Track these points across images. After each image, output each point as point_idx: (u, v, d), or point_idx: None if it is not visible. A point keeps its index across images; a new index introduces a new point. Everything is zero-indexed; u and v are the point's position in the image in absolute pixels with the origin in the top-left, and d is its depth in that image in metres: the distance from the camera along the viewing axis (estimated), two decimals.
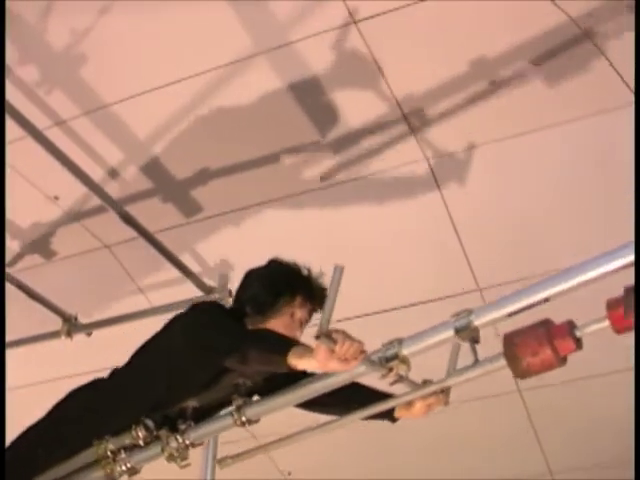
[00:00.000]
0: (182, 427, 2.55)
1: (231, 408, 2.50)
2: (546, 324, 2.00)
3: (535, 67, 3.42)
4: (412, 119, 3.66)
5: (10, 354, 4.09)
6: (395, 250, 4.27)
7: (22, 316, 4.51)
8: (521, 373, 2.02)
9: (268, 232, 4.20)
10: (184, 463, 2.55)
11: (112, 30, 3.34)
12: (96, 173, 3.75)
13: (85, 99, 3.64)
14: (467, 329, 2.05)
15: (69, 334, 4.27)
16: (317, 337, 2.03)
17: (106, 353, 5.01)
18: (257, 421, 2.52)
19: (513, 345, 1.99)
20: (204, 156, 3.90)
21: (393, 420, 2.67)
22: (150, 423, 2.59)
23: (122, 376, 2.77)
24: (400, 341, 2.19)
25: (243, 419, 2.46)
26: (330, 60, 3.43)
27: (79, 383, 5.20)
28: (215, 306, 2.77)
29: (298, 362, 2.16)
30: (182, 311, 2.78)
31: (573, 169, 3.87)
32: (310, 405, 2.58)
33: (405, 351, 2.18)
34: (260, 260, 4.32)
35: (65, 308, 4.37)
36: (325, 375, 2.32)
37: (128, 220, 3.59)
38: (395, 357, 2.19)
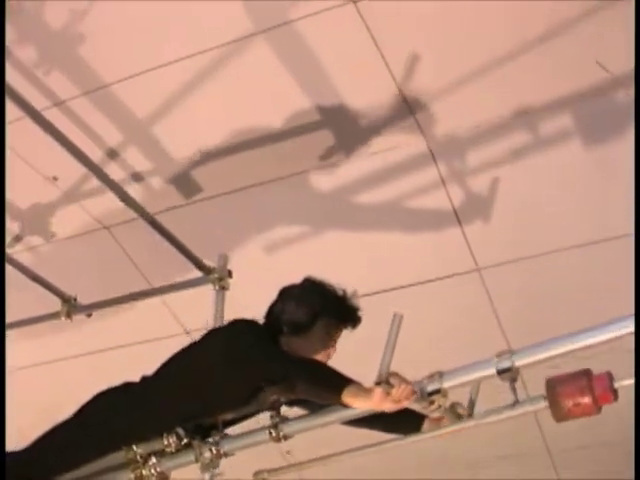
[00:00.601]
0: (216, 438, 2.63)
1: (268, 424, 2.60)
2: (588, 375, 2.16)
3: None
4: (411, 100, 3.65)
5: (9, 335, 4.11)
6: (394, 228, 4.27)
7: (21, 297, 4.52)
8: (560, 418, 2.18)
9: (268, 212, 4.20)
10: (217, 472, 2.63)
11: (111, 10, 3.33)
12: (95, 154, 3.74)
13: (84, 79, 3.63)
14: (509, 370, 2.17)
15: (69, 315, 4.25)
16: (377, 384, 2.21)
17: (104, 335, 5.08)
18: (292, 436, 2.60)
19: (556, 393, 2.15)
20: (204, 136, 3.89)
21: (418, 431, 2.68)
22: (181, 431, 2.66)
23: (156, 385, 2.79)
24: (441, 375, 2.29)
25: (280, 435, 2.56)
26: (330, 40, 3.42)
27: (79, 365, 5.26)
28: (255, 326, 2.71)
29: (352, 401, 2.29)
30: (221, 327, 2.86)
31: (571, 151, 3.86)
32: (353, 422, 2.63)
33: (446, 385, 2.29)
34: (258, 240, 4.36)
35: (64, 289, 4.37)
36: None
37: (127, 201, 3.57)
38: (437, 392, 2.31)
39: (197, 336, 4.87)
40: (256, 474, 2.92)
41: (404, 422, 2.56)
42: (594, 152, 3.81)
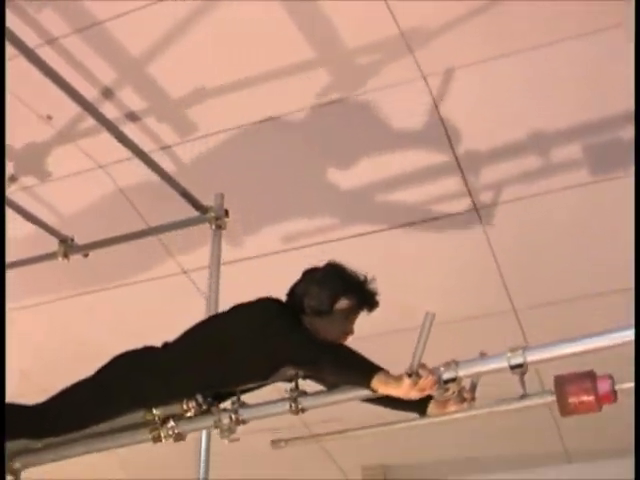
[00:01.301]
0: (235, 406, 2.76)
1: (287, 396, 2.71)
2: (592, 376, 2.41)
3: None
4: (409, 36, 3.61)
5: (7, 276, 4.12)
6: None
7: (18, 238, 4.52)
8: (566, 413, 2.42)
9: (264, 152, 4.18)
10: (233, 437, 2.75)
11: None
12: (90, 93, 3.70)
13: (77, 16, 3.58)
14: (521, 366, 2.38)
15: (65, 255, 4.26)
16: (409, 375, 2.38)
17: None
18: (309, 409, 2.71)
19: (564, 391, 2.40)
20: (200, 74, 3.85)
21: (423, 414, 2.79)
22: (201, 398, 2.79)
23: (179, 352, 2.89)
24: (457, 364, 2.47)
25: (300, 407, 2.68)
26: None
27: (76, 305, 5.28)
28: (284, 307, 2.82)
29: (382, 387, 2.44)
30: (250, 303, 2.85)
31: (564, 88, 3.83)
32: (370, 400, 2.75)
33: (461, 373, 2.48)
34: (255, 178, 4.35)
35: (61, 229, 4.36)
36: None
37: (123, 140, 3.55)
38: (453, 380, 2.49)
39: (194, 276, 4.97)
40: (274, 442, 3.05)
41: (413, 403, 2.63)
42: None
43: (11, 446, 3.01)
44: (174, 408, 2.82)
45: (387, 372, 2.47)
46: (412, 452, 6.23)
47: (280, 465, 6.58)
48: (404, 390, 2.41)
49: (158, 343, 4.92)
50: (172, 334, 5.31)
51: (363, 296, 2.80)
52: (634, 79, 3.66)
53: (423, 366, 2.42)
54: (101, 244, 4.28)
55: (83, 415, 2.91)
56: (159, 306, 5.31)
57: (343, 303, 2.77)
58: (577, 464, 6.78)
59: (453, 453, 6.40)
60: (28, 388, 5.97)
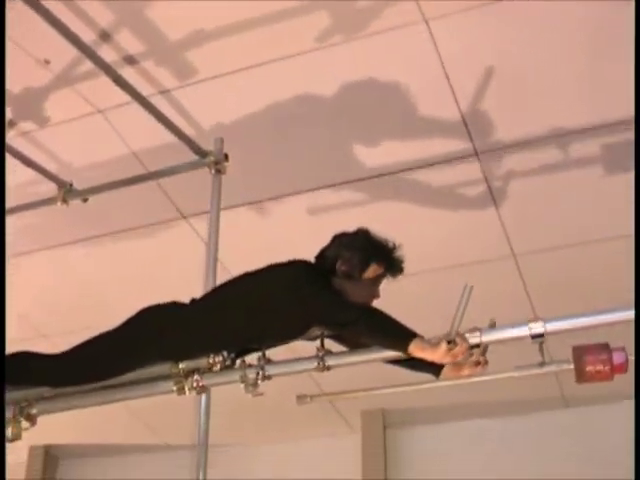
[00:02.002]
0: (262, 362, 2.84)
1: (314, 355, 2.82)
2: (608, 348, 2.63)
3: None
4: None
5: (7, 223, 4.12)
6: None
7: (18, 184, 4.51)
8: (582, 380, 2.64)
9: (264, 93, 4.15)
10: (257, 392, 2.84)
11: None
12: (87, 36, 3.66)
13: None
14: (542, 335, 2.55)
15: (65, 200, 4.26)
16: (449, 342, 2.51)
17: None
18: (334, 368, 2.82)
19: (583, 360, 2.62)
20: (199, 17, 3.81)
21: (437, 376, 2.91)
22: (226, 354, 2.89)
23: (209, 309, 2.96)
24: (481, 331, 2.61)
25: (326, 365, 2.78)
26: None
27: (76, 250, 5.28)
28: (315, 269, 2.91)
29: (418, 352, 2.55)
30: (284, 263, 2.92)
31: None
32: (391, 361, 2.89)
33: (485, 339, 2.62)
34: (255, 123, 4.33)
35: (60, 174, 4.35)
36: None
37: (121, 84, 3.53)
38: (477, 346, 2.63)
39: (194, 221, 4.98)
40: (299, 397, 3.23)
41: (429, 365, 2.74)
42: None
43: (29, 393, 3.11)
44: (200, 362, 2.90)
45: (422, 337, 2.58)
46: (411, 397, 6.25)
47: (281, 411, 6.66)
48: (439, 355, 2.54)
49: (158, 287, 4.96)
50: (172, 279, 5.38)
51: (392, 262, 2.90)
52: (634, 79, 3.71)
53: (460, 335, 2.54)
54: (100, 189, 4.27)
55: (108, 366, 2.98)
56: (159, 251, 5.33)
57: (373, 268, 2.87)
58: (574, 409, 6.84)
59: (451, 398, 6.43)
60: (28, 332, 6.03)
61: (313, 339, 2.91)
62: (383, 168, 4.58)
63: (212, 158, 3.84)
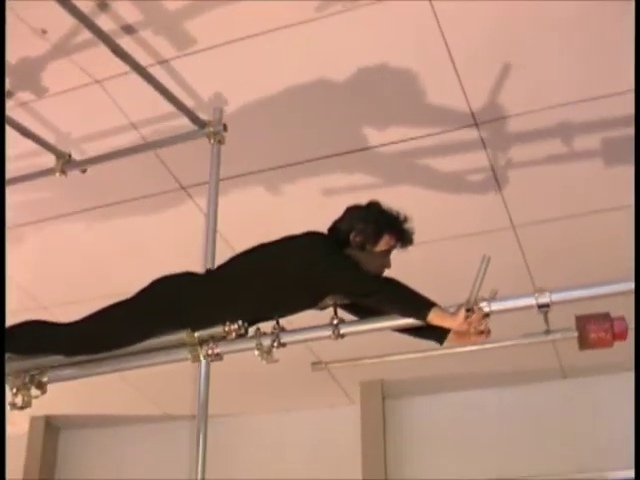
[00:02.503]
0: (276, 330, 2.94)
1: (328, 323, 2.92)
2: (609, 317, 2.88)
3: None
4: None
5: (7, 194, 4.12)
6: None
7: (16, 155, 4.50)
8: (585, 347, 2.91)
9: (263, 63, 4.13)
10: (272, 359, 2.93)
11: None
12: (85, 5, 3.62)
13: None
14: (547, 305, 2.70)
15: (63, 171, 4.25)
16: (468, 310, 2.68)
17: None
18: (347, 335, 2.93)
19: (587, 329, 2.87)
20: None
21: (441, 343, 2.98)
22: (240, 322, 2.96)
23: (226, 279, 3.03)
24: (489, 301, 2.74)
25: (341, 332, 2.88)
26: None
27: (75, 221, 5.27)
28: (331, 241, 2.99)
29: (437, 319, 2.72)
30: (300, 235, 3.01)
31: None
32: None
33: (494, 308, 2.75)
34: (254, 92, 4.31)
35: (58, 145, 4.34)
36: None
37: (119, 53, 3.51)
38: (487, 315, 2.77)
39: (192, 192, 4.97)
40: (314, 364, 3.38)
41: (435, 332, 2.89)
42: None
43: (41, 361, 3.17)
44: (215, 330, 2.97)
45: (439, 306, 2.75)
46: (409, 368, 6.28)
47: (280, 382, 6.69)
48: (458, 323, 2.71)
49: (157, 259, 4.98)
50: (171, 250, 5.38)
51: (403, 233, 3.00)
52: (634, 79, 3.70)
53: (478, 307, 2.70)
54: (98, 159, 4.26)
55: (124, 334, 3.05)
56: (158, 223, 5.32)
57: (385, 239, 2.97)
58: (572, 379, 6.86)
59: (450, 368, 6.45)
60: (28, 304, 6.04)
61: (324, 308, 3.00)
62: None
63: (211, 128, 3.83)
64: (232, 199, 4.72)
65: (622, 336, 2.85)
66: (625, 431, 5.59)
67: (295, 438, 7.61)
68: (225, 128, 3.83)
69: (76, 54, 4.12)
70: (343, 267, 2.89)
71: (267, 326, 3.04)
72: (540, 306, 2.71)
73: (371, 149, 4.61)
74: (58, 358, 3.17)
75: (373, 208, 3.03)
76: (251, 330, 3.03)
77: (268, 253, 3.01)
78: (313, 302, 2.99)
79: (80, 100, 4.39)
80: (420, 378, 6.98)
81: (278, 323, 2.98)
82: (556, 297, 2.72)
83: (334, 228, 3.04)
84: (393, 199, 3.12)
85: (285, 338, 2.95)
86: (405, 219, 3.01)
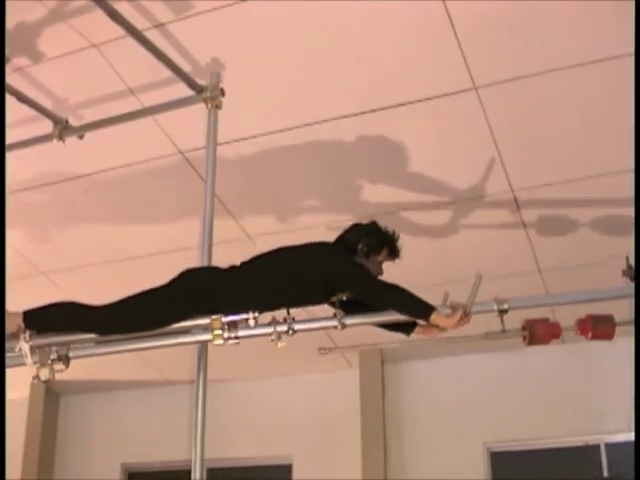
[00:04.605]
0: (289, 319, 3.36)
1: (333, 315, 3.41)
2: (548, 321, 3.71)
3: None
4: None
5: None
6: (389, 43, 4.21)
7: (14, 121, 4.48)
8: (532, 344, 3.70)
9: (259, 28, 4.11)
10: (281, 344, 3.36)
11: None
12: None
13: None
14: (504, 312, 3.33)
15: (60, 137, 4.24)
16: (465, 315, 3.25)
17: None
18: (349, 326, 3.41)
19: (535, 330, 3.68)
20: None
21: (408, 335, 3.59)
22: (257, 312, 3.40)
23: (253, 275, 3.46)
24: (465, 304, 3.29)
25: (344, 323, 3.36)
26: None
27: (73, 186, 5.27)
28: (346, 249, 3.53)
29: (437, 319, 3.27)
30: (317, 243, 3.54)
31: None
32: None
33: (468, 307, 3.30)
34: (252, 60, 4.29)
35: (56, 111, 4.32)
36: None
37: (116, 17, 3.48)
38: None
39: (190, 156, 4.96)
40: (321, 349, 3.89)
41: (408, 326, 3.51)
42: None
43: (65, 337, 3.41)
44: (236, 317, 3.38)
45: (437, 308, 3.28)
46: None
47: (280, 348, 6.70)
48: (452, 324, 3.28)
49: (155, 223, 4.99)
50: (169, 215, 5.39)
51: (395, 249, 3.60)
52: (634, 78, 3.67)
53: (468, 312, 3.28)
54: (96, 125, 4.25)
55: (158, 317, 3.39)
56: (156, 188, 5.32)
57: (384, 252, 3.57)
58: (571, 344, 6.84)
59: (447, 333, 6.47)
60: (26, 270, 6.06)
61: (332, 303, 3.52)
62: None
63: (208, 93, 3.81)
64: (228, 162, 4.72)
65: (558, 336, 3.70)
66: (623, 395, 5.62)
67: (295, 402, 7.65)
68: (222, 93, 3.81)
69: (73, 18, 4.09)
70: (362, 272, 3.42)
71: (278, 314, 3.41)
72: (500, 310, 3.33)
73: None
74: (84, 336, 3.44)
75: (375, 225, 3.63)
76: (263, 317, 3.40)
77: (292, 255, 3.51)
78: (325, 298, 3.48)
79: (77, 65, 4.38)
80: (418, 343, 6.99)
81: (289, 313, 3.39)
82: (514, 305, 3.33)
83: (342, 239, 3.60)
84: None
85: (297, 326, 3.36)
86: (397, 238, 3.60)
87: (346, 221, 4.78)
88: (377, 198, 5.21)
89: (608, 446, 6.75)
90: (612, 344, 6.43)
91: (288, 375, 7.69)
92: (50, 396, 8.36)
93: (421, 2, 3.95)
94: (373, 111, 4.61)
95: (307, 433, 7.47)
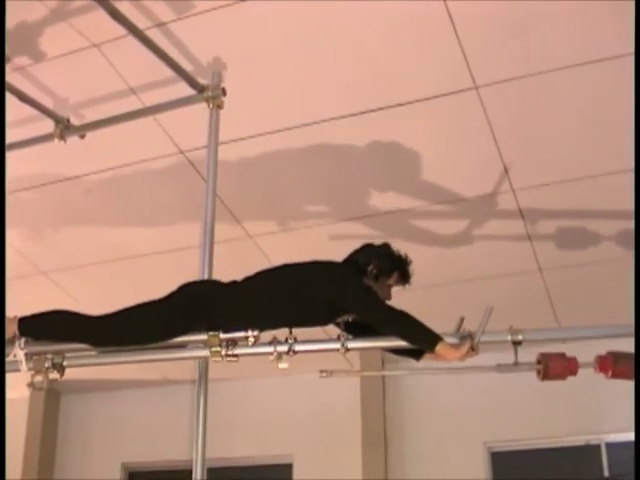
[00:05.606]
0: (291, 340, 3.28)
1: (336, 338, 3.32)
2: (564, 356, 3.41)
3: None
4: None
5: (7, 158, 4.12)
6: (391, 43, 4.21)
7: (14, 120, 4.48)
8: (546, 379, 3.43)
9: (260, 28, 4.11)
10: (283, 366, 3.30)
11: None
12: None
13: None
14: (518, 343, 3.23)
15: (62, 136, 4.24)
16: (472, 349, 3.18)
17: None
18: (351, 350, 3.34)
19: (549, 366, 3.38)
20: None
21: (417, 360, 3.45)
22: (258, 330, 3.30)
23: (254, 292, 3.34)
24: (473, 335, 3.20)
25: (347, 347, 3.28)
26: None
27: (75, 186, 5.27)
28: (353, 271, 3.40)
29: (443, 350, 3.16)
30: (324, 261, 3.41)
31: None
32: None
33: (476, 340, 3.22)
34: (252, 59, 4.29)
35: (57, 110, 4.32)
36: None
37: (117, 16, 3.49)
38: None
39: (191, 156, 4.96)
40: (322, 372, 3.61)
41: (417, 352, 3.38)
42: None
43: (61, 346, 3.35)
44: (235, 335, 3.28)
45: (444, 339, 3.18)
46: None
47: None
48: (459, 356, 3.18)
49: (156, 223, 4.99)
50: (169, 215, 5.39)
51: (406, 274, 3.46)
52: (634, 78, 3.67)
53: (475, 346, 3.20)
54: (97, 125, 4.25)
55: (153, 332, 3.30)
56: (156, 187, 5.32)
57: (395, 276, 3.43)
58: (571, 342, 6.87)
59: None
60: (26, 269, 6.06)
61: (336, 325, 3.40)
62: None
63: (210, 93, 3.82)
64: (229, 161, 4.72)
65: (574, 372, 3.43)
66: (623, 395, 5.62)
67: (295, 402, 7.65)
68: (224, 92, 3.82)
69: (74, 18, 4.10)
70: (370, 296, 3.28)
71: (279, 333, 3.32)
72: (514, 341, 3.23)
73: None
74: (79, 345, 3.36)
75: (386, 247, 3.50)
76: (264, 335, 3.32)
77: (297, 274, 3.38)
78: (330, 319, 3.38)
79: (78, 65, 4.38)
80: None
81: (291, 332, 3.31)
82: (528, 337, 3.25)
83: (352, 259, 3.46)
84: None
85: (298, 347, 3.30)
86: (410, 262, 3.47)
87: (346, 221, 4.83)
88: (377, 198, 5.21)
89: (608, 446, 6.75)
90: (612, 344, 6.49)
91: (289, 375, 7.67)
92: (50, 395, 8.36)
93: (421, 2, 3.95)
94: (373, 111, 4.60)
95: (308, 433, 7.46)
